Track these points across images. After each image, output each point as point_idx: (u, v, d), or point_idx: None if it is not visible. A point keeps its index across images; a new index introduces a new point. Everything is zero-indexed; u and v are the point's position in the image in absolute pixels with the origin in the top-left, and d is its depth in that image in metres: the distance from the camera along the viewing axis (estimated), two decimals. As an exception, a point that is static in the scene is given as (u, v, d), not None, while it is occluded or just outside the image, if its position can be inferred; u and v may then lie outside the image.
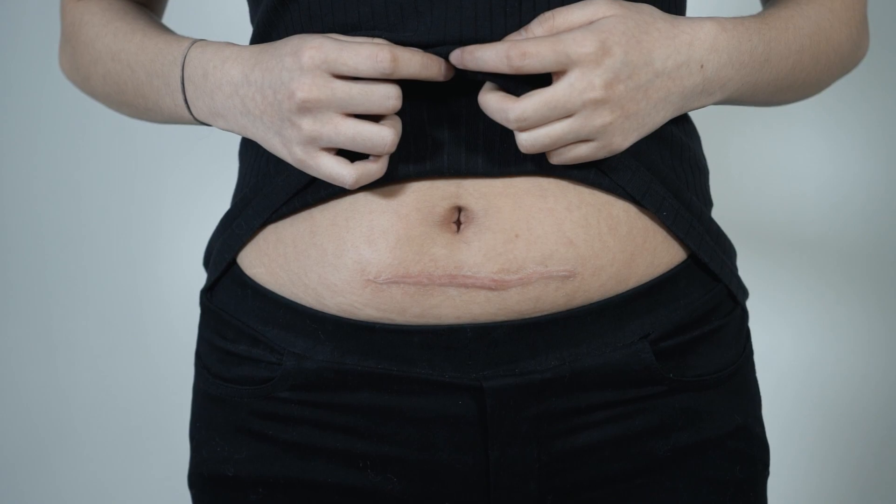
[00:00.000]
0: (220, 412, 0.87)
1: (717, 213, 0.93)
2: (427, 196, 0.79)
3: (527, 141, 0.74)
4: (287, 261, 0.83)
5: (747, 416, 0.88)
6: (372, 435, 0.82)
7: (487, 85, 0.76)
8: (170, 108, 0.88)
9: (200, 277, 0.97)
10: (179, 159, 1.84)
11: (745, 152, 1.80)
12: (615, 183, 0.80)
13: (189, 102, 0.85)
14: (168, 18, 1.04)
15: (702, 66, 0.77)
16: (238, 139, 0.95)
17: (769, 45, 0.82)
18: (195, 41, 0.85)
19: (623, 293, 0.81)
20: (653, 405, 0.83)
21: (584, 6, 0.74)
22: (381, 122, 0.75)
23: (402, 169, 0.79)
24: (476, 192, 0.79)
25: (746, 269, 0.99)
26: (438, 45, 0.76)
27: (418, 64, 0.74)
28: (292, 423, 0.83)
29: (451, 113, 0.79)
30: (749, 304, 0.94)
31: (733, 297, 0.89)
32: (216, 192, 1.29)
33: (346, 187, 0.76)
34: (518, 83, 0.74)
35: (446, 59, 0.76)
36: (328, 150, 0.76)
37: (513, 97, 0.74)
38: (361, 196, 0.80)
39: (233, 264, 0.88)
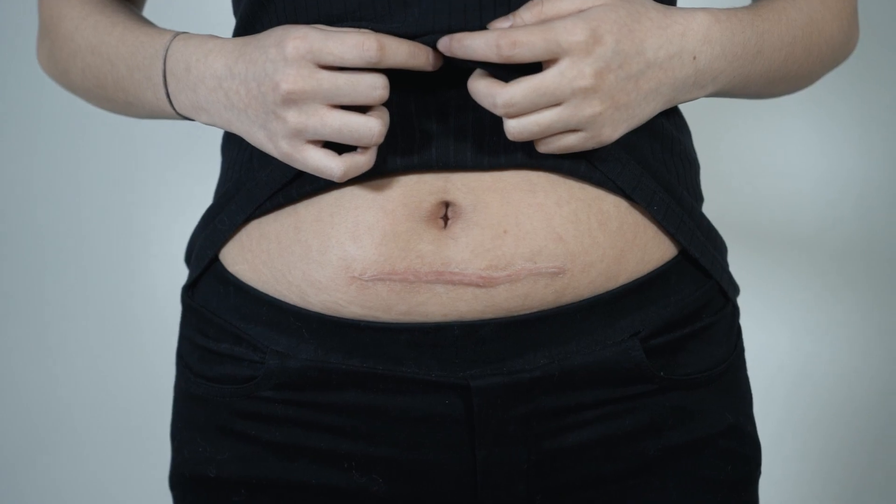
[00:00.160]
0: (202, 412, 0.86)
1: (707, 209, 0.92)
2: (414, 191, 0.78)
3: (514, 128, 0.73)
4: (270, 257, 0.82)
5: (739, 414, 0.88)
6: (357, 435, 0.81)
7: (478, 71, 0.75)
8: (151, 103, 0.87)
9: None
10: (170, 155, 1.84)
11: (737, 146, 1.80)
12: (606, 176, 0.79)
13: (171, 97, 0.83)
14: (149, 11, 1.03)
15: (694, 58, 0.77)
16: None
17: (762, 36, 0.82)
18: (177, 34, 0.84)
19: (613, 290, 0.81)
20: (643, 404, 0.82)
21: None
22: (369, 113, 0.74)
23: (389, 162, 0.78)
24: (464, 186, 0.78)
25: (737, 266, 0.99)
26: (426, 36, 0.76)
27: (405, 53, 0.73)
28: (275, 423, 0.82)
29: (439, 104, 0.78)
30: (740, 300, 0.94)
31: (724, 294, 0.88)
32: (212, 189, 1.28)
33: (335, 180, 0.75)
34: (509, 72, 0.73)
35: (434, 48, 0.75)
36: (314, 142, 0.75)
37: (501, 83, 0.73)
38: (347, 191, 0.79)
39: (215, 261, 0.87)
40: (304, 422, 0.82)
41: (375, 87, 0.72)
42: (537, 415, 0.80)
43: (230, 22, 0.89)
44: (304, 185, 0.80)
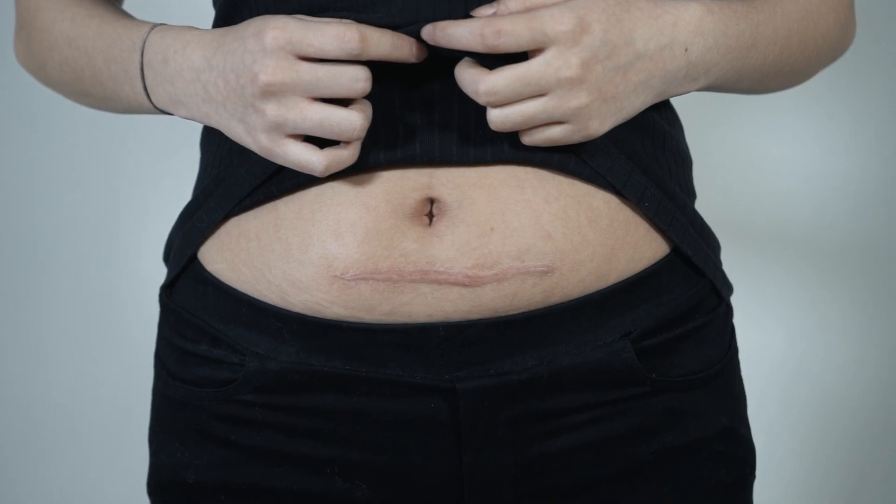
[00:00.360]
0: (180, 415, 0.85)
1: (699, 205, 0.92)
2: (398, 187, 0.77)
3: (497, 118, 0.72)
4: (250, 256, 0.81)
5: (733, 416, 0.87)
6: (339, 439, 0.80)
7: (467, 59, 0.74)
8: (128, 97, 0.85)
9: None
10: (160, 154, 1.84)
11: (729, 142, 1.80)
12: (595, 172, 0.78)
13: (148, 90, 0.82)
14: (129, 5, 1.01)
15: (686, 50, 0.76)
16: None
17: (756, 28, 0.81)
18: (155, 25, 0.83)
19: (603, 289, 0.79)
20: (635, 406, 0.81)
21: None
22: (351, 106, 0.73)
23: (372, 157, 0.76)
24: (449, 182, 0.77)
25: (730, 264, 0.97)
26: (410, 26, 0.74)
27: (388, 44, 0.72)
28: (255, 427, 0.81)
29: (423, 97, 0.77)
30: (734, 300, 0.93)
31: (717, 293, 0.88)
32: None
33: (317, 175, 0.73)
34: (498, 61, 0.72)
35: (418, 39, 0.74)
36: (295, 136, 0.73)
37: (486, 70, 0.72)
38: (328, 187, 0.77)
39: (193, 259, 0.86)
40: (284, 426, 0.81)
41: (357, 80, 0.71)
42: (525, 418, 0.79)
43: (210, 13, 0.88)
44: (285, 181, 0.78)
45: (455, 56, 0.74)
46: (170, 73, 0.79)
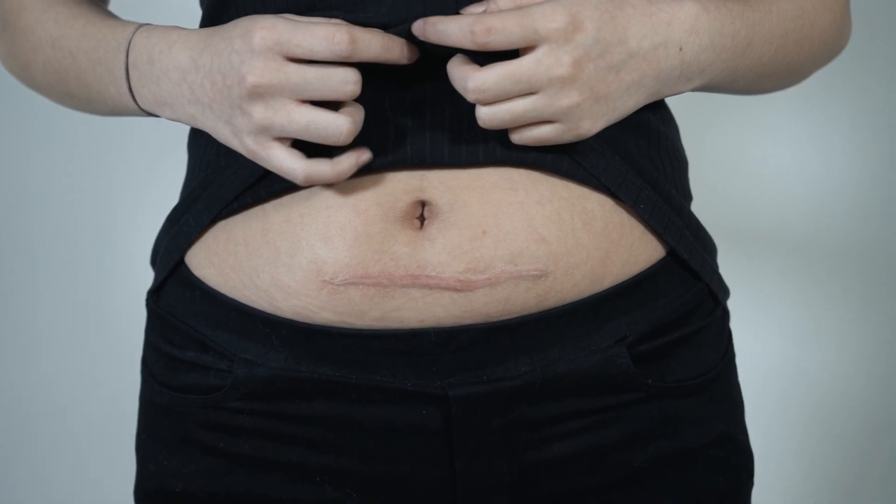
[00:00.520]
0: (167, 423, 0.84)
1: (693, 208, 0.91)
2: (388, 190, 0.76)
3: (486, 115, 0.71)
4: (238, 260, 0.79)
5: (730, 422, 0.86)
6: (330, 447, 0.79)
7: (460, 55, 0.73)
8: (114, 98, 0.85)
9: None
10: (154, 155, 1.83)
11: (724, 144, 1.80)
12: (590, 173, 0.77)
13: (134, 91, 0.81)
14: (114, 5, 1.00)
15: (680, 49, 0.75)
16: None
17: (752, 28, 0.80)
18: (140, 25, 0.82)
19: (598, 293, 0.78)
20: (630, 413, 0.80)
21: None
22: (341, 109, 0.72)
23: None
24: (441, 184, 0.76)
25: (725, 267, 0.97)
26: (401, 26, 0.73)
27: (379, 46, 0.71)
28: (244, 435, 0.80)
29: (415, 98, 0.76)
30: (730, 303, 0.92)
31: (714, 297, 0.87)
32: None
33: (298, 183, 0.73)
34: (490, 59, 0.71)
35: (409, 38, 0.73)
36: (282, 140, 0.72)
37: (476, 66, 0.71)
38: (318, 190, 0.76)
39: (181, 264, 0.85)
40: (273, 433, 0.80)
41: (346, 82, 0.70)
42: (519, 425, 0.78)
43: (197, 13, 0.87)
44: (273, 184, 0.77)
45: (447, 55, 0.73)
46: (155, 74, 0.78)
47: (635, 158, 0.80)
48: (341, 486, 0.79)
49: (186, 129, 0.90)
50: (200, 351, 0.81)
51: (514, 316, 0.76)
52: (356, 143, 0.74)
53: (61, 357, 1.90)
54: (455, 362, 0.76)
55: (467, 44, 0.69)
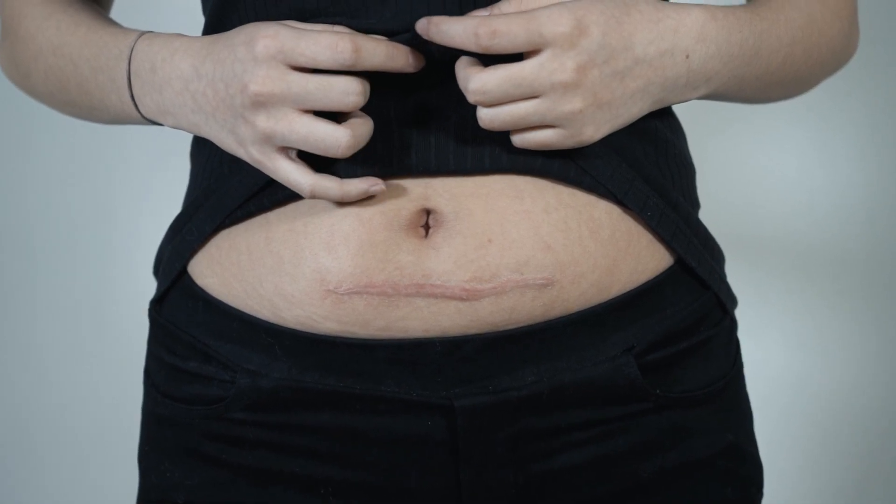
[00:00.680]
0: (170, 434, 0.83)
1: (700, 216, 0.89)
2: (393, 198, 0.75)
3: (486, 116, 0.71)
4: (241, 270, 0.79)
5: (739, 433, 0.85)
6: (334, 458, 0.78)
7: (469, 56, 0.72)
8: (116, 106, 0.84)
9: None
10: (157, 160, 1.84)
11: (729, 152, 1.79)
12: (596, 180, 0.76)
13: (136, 99, 0.81)
14: (116, 12, 1.00)
15: (687, 56, 0.74)
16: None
17: (760, 37, 0.79)
18: (143, 33, 0.81)
19: (605, 302, 0.78)
20: (638, 423, 0.80)
21: None
22: (347, 119, 0.71)
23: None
24: (446, 193, 0.75)
25: (730, 275, 0.96)
26: (405, 33, 0.73)
27: (383, 54, 0.70)
28: (247, 446, 0.79)
29: (420, 106, 0.75)
30: (737, 313, 0.91)
31: (722, 306, 0.86)
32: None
33: (304, 196, 0.72)
34: (496, 61, 0.70)
35: (413, 45, 0.72)
36: (287, 150, 0.72)
37: (480, 67, 0.70)
38: (321, 199, 0.76)
39: (183, 273, 0.84)
40: (277, 445, 0.79)
41: (348, 93, 0.69)
42: (525, 435, 0.78)
43: (200, 21, 0.86)
44: (277, 193, 0.77)
45: (452, 62, 0.72)
46: (158, 82, 0.77)
47: (643, 166, 0.79)
48: (346, 498, 0.79)
49: (188, 135, 0.89)
50: (203, 361, 0.81)
51: (520, 325, 0.75)
52: (361, 151, 0.74)
53: (62, 360, 1.90)
54: (461, 372, 0.75)
55: (471, 46, 0.68)
